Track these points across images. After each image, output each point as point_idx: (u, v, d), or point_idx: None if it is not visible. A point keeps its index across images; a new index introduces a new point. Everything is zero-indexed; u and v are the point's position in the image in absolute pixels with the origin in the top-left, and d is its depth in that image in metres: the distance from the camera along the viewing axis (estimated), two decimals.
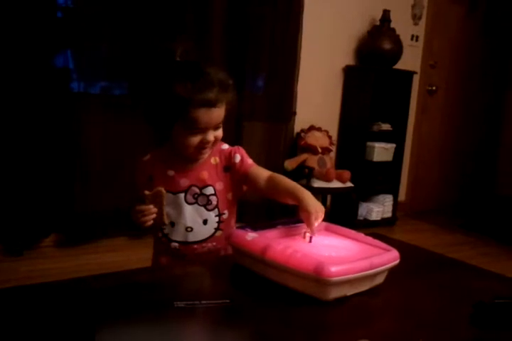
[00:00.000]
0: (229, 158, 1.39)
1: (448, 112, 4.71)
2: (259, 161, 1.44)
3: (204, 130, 1.27)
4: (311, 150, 3.67)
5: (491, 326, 0.92)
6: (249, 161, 1.41)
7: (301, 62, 3.67)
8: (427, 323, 0.95)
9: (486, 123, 4.97)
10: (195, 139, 1.27)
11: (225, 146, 1.42)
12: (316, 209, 1.18)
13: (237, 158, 1.39)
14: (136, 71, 2.97)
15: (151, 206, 1.26)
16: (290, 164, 3.63)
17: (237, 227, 1.23)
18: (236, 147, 1.43)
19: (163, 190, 1.27)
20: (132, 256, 2.73)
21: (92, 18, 2.89)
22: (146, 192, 1.27)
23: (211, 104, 1.23)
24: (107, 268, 1.17)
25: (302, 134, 3.73)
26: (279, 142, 3.67)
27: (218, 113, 1.27)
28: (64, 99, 2.90)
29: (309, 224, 1.15)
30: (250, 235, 1.11)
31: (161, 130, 1.33)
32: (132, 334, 0.84)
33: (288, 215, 1.27)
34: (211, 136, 1.28)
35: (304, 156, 3.67)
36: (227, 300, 0.97)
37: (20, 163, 2.82)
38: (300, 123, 3.77)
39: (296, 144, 3.74)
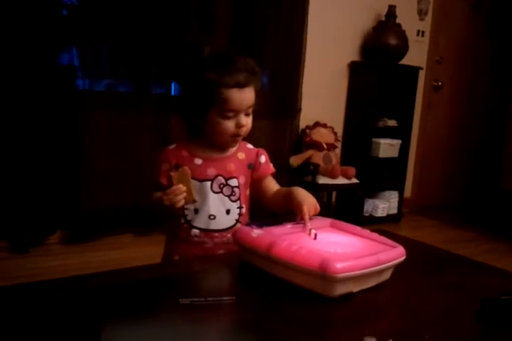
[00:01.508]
0: (255, 157, 1.46)
1: (454, 108, 4.69)
2: None
3: (236, 114, 1.32)
4: (317, 146, 3.66)
5: (497, 322, 0.92)
6: (271, 167, 1.48)
7: (306, 58, 3.66)
8: (434, 320, 0.94)
9: (492, 118, 4.93)
10: (230, 124, 1.32)
11: (250, 146, 1.49)
12: (309, 200, 1.23)
13: (263, 159, 1.46)
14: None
15: (180, 185, 1.26)
16: (295, 161, 3.62)
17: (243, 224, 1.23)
18: (261, 149, 1.49)
19: (187, 168, 1.28)
20: (137, 253, 2.73)
21: (97, 16, 2.90)
22: (172, 174, 1.28)
23: (242, 85, 1.30)
24: (112, 266, 1.17)
25: (307, 131, 3.72)
26: (285, 138, 3.66)
27: (249, 95, 1.33)
28: (69, 96, 2.91)
29: (302, 214, 1.19)
30: (256, 232, 1.10)
31: (196, 119, 1.36)
32: (137, 331, 0.84)
33: (293, 213, 1.27)
34: (243, 120, 1.33)
35: (309, 153, 3.66)
36: (233, 297, 0.97)
37: (26, 161, 2.83)
38: (305, 119, 3.76)
39: (302, 141, 3.74)
